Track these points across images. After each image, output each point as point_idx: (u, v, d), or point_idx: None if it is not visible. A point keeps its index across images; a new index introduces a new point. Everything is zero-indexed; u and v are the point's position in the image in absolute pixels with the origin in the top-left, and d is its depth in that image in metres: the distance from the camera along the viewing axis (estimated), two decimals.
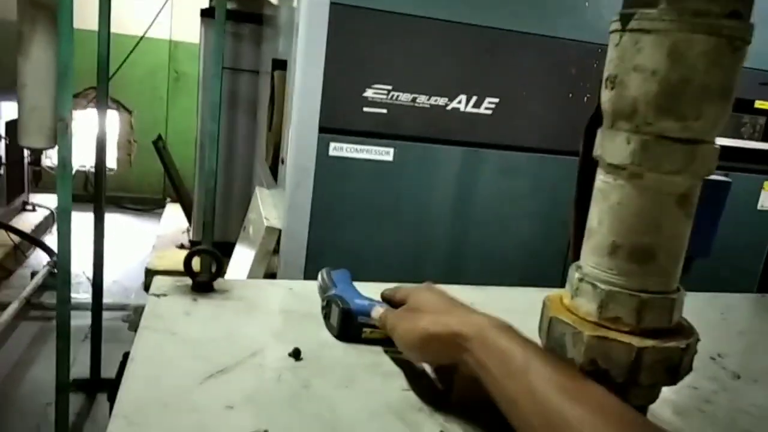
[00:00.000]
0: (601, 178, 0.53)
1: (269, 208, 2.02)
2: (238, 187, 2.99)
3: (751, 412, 0.70)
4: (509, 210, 2.02)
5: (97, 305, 2.60)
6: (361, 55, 1.79)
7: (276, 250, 1.92)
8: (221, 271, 0.84)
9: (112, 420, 0.56)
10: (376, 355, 0.74)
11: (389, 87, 1.82)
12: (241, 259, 2.17)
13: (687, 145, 0.49)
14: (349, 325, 0.75)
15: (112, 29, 2.44)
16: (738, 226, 2.09)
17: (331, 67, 1.76)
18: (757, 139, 2.12)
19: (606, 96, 0.52)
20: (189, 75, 4.38)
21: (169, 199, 4.09)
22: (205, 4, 3.16)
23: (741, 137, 2.10)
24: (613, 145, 0.51)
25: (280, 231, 1.89)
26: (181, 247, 3.21)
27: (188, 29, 4.32)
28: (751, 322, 1.00)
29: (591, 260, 0.54)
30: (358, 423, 0.60)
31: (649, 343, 0.50)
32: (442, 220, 1.99)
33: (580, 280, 0.54)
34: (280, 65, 2.09)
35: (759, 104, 2.09)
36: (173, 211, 3.76)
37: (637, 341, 0.50)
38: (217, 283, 0.86)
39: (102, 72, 2.47)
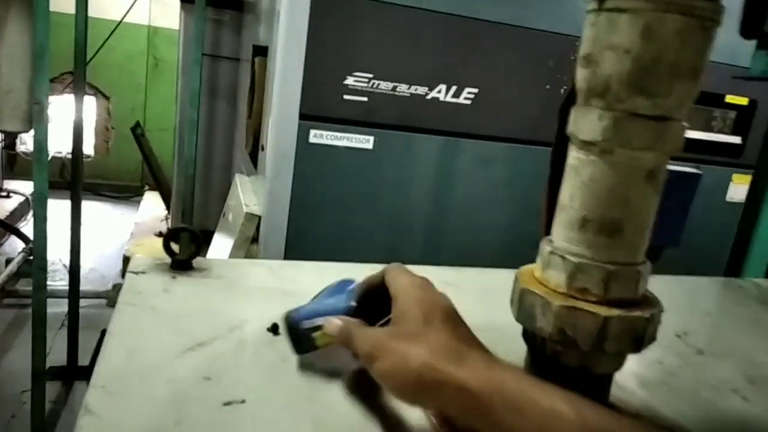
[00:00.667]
0: (573, 155, 0.55)
1: (249, 194, 2.01)
2: (217, 174, 2.97)
3: (714, 385, 0.73)
4: (487, 198, 2.05)
5: (74, 292, 2.57)
6: (342, 42, 1.80)
7: (255, 237, 1.92)
8: (201, 251, 0.84)
9: (89, 390, 0.56)
10: None
11: (370, 75, 1.83)
12: (221, 245, 2.16)
13: (656, 122, 0.51)
14: (295, 335, 0.62)
15: (90, 13, 2.40)
16: (707, 217, 2.15)
17: (312, 54, 1.77)
18: (727, 133, 2.17)
19: (581, 74, 0.54)
20: (168, 61, 4.32)
21: (147, 187, 4.05)
22: None
23: (711, 130, 2.15)
24: (585, 122, 0.53)
25: (259, 218, 1.89)
26: (160, 234, 3.18)
27: (168, 15, 4.26)
28: (717, 303, 1.04)
29: (562, 234, 0.56)
30: (335, 394, 0.62)
31: (615, 312, 0.52)
32: (420, 207, 2.02)
33: (551, 253, 0.56)
34: (261, 52, 2.08)
35: (729, 99, 2.14)
36: (151, 199, 3.73)
37: (603, 311, 0.52)
38: (197, 262, 0.86)
39: (79, 56, 2.43)
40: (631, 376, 0.72)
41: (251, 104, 2.14)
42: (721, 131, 2.20)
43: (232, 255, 1.89)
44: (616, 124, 0.51)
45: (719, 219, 2.20)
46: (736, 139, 2.21)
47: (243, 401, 0.57)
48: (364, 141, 1.90)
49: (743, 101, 2.18)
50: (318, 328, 0.60)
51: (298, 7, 1.72)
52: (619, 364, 0.56)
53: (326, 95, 1.82)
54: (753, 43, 1.41)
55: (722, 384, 0.74)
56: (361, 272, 0.94)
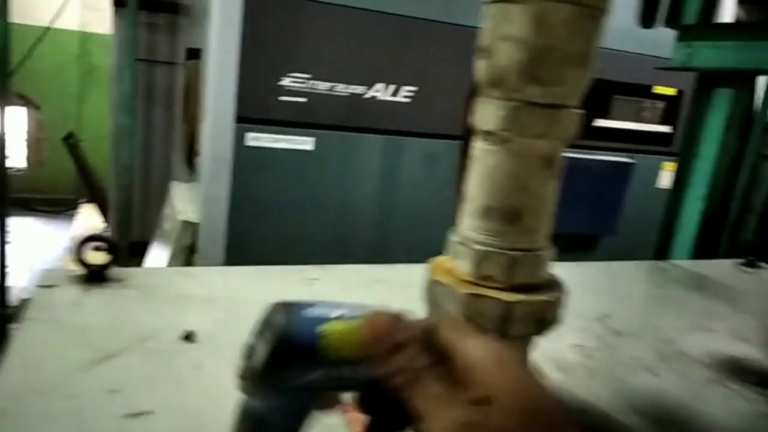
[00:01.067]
0: (476, 146, 0.56)
1: (185, 202, 1.96)
2: (157, 184, 2.88)
3: (628, 363, 0.75)
4: (433, 195, 2.06)
5: (1, 311, 2.44)
6: (277, 43, 1.77)
7: (194, 245, 1.87)
8: (117, 260, 0.81)
9: None
10: None
11: (307, 75, 1.82)
12: (159, 256, 2.10)
13: (550, 110, 0.51)
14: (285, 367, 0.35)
15: (18, 20, 2.28)
16: (641, 204, 2.24)
17: (247, 56, 1.73)
18: (656, 123, 2.26)
19: (480, 66, 0.54)
20: (103, 68, 4.16)
21: (84, 200, 3.89)
22: None
23: (642, 121, 2.24)
24: (486, 113, 0.53)
25: (196, 225, 1.84)
26: (98, 249, 3.07)
27: (102, 20, 4.11)
28: (639, 286, 1.07)
29: (468, 223, 0.56)
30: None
31: (518, 297, 0.53)
32: (367, 206, 2.01)
33: (458, 243, 0.56)
34: (195, 54, 2.03)
35: (657, 89, 2.23)
36: (88, 212, 3.58)
37: (507, 296, 0.53)
38: (114, 272, 0.83)
39: (1, 64, 2.31)
40: (549, 360, 0.74)
41: (186, 108, 2.08)
42: (651, 121, 2.28)
43: (169, 265, 1.84)
44: (513, 113, 0.51)
45: (652, 205, 2.28)
46: (666, 129, 2.30)
47: (148, 412, 0.55)
48: (304, 142, 1.88)
49: (671, 92, 2.27)
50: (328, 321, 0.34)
51: (230, 8, 1.69)
52: (526, 347, 0.57)
53: (263, 97, 1.79)
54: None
55: (636, 362, 0.76)
56: (290, 276, 0.93)
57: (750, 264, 1.30)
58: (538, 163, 0.53)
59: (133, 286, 0.81)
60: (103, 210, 3.17)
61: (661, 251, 1.57)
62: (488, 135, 0.53)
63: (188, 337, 0.69)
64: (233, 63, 1.72)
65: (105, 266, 0.80)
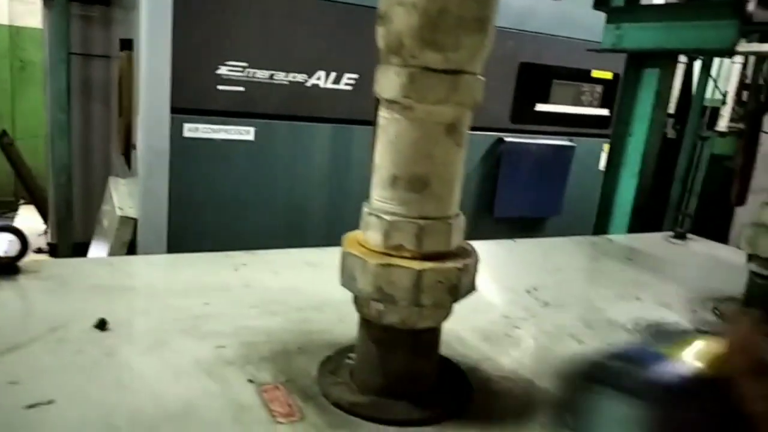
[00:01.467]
0: (381, 115, 0.55)
1: (123, 197, 1.90)
2: (99, 182, 2.78)
3: (551, 332, 0.77)
4: None
5: None
6: (212, 31, 1.73)
7: (134, 242, 1.82)
8: (27, 251, 0.77)
9: None
10: (195, 319, 0.72)
11: (244, 64, 1.78)
12: (97, 254, 2.03)
13: (449, 75, 0.51)
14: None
15: None
16: (583, 185, 2.29)
17: (180, 44, 1.68)
18: (595, 106, 2.32)
19: (379, 33, 0.54)
20: (36, 63, 3.97)
21: (22, 201, 3.71)
22: None
23: (582, 105, 2.29)
24: (386, 81, 0.53)
25: (135, 221, 1.78)
26: (39, 251, 2.94)
27: (33, 13, 3.93)
28: (570, 259, 1.10)
29: (377, 194, 0.56)
30: (161, 383, 0.58)
31: (428, 265, 0.53)
32: (316, 195, 1.98)
33: (369, 214, 0.56)
34: (128, 45, 1.97)
35: (595, 73, 2.28)
36: (28, 213, 3.43)
37: (417, 265, 0.53)
38: (27, 264, 0.79)
39: None
40: (476, 330, 0.75)
41: (121, 101, 2.02)
42: (590, 105, 2.34)
43: None
44: (412, 80, 0.51)
45: (594, 186, 2.34)
46: (604, 112, 2.36)
47: (50, 401, 0.53)
48: (244, 132, 1.84)
49: (608, 75, 2.33)
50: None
51: None
52: (440, 316, 0.57)
53: (199, 86, 1.75)
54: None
55: (561, 330, 0.78)
56: (217, 262, 0.90)
57: (679, 236, 1.35)
58: (440, 130, 0.53)
59: (47, 277, 0.77)
60: (43, 211, 3.04)
61: (600, 228, 1.62)
62: (390, 103, 0.53)
63: (101, 325, 0.67)
64: (166, 52, 1.67)
65: (16, 258, 0.76)
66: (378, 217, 0.55)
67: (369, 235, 0.56)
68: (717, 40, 1.35)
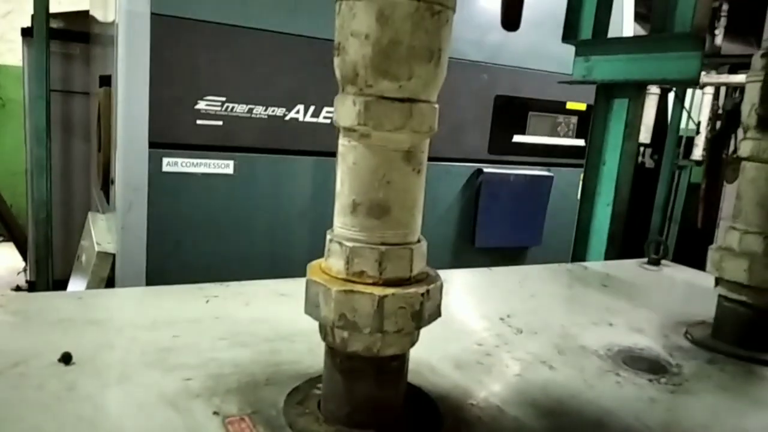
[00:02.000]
0: (340, 142, 0.56)
1: (102, 232, 1.88)
2: (79, 218, 2.76)
3: (524, 358, 0.77)
4: None
5: None
6: (190, 66, 1.75)
7: (113, 277, 1.79)
8: None
9: None
10: (162, 352, 0.71)
11: (223, 98, 1.80)
12: (76, 290, 1.99)
13: (404, 103, 0.53)
14: None
15: None
16: (563, 214, 2.31)
17: (158, 80, 1.70)
18: (571, 137, 2.37)
19: (335, 63, 0.55)
20: (17, 101, 3.98)
21: (1, 239, 3.67)
22: (27, 23, 2.91)
23: (558, 135, 2.34)
24: (344, 109, 0.54)
25: (114, 256, 1.77)
26: (17, 289, 2.89)
27: (14, 51, 3.96)
28: (544, 286, 1.10)
29: (338, 221, 0.56)
30: (123, 417, 0.57)
31: (390, 291, 0.53)
32: (297, 226, 1.98)
33: (330, 241, 0.56)
34: (106, 81, 1.98)
35: (570, 105, 2.34)
36: (6, 251, 3.38)
37: (379, 291, 0.53)
38: None
39: None
40: (448, 359, 0.74)
41: (100, 136, 2.02)
42: (566, 135, 2.39)
43: None
44: (368, 108, 0.52)
45: (574, 215, 2.37)
46: (580, 142, 2.41)
47: None
48: (224, 166, 1.85)
49: (582, 107, 2.38)
50: None
51: (136, 31, 1.66)
52: (405, 343, 0.57)
53: (177, 121, 1.76)
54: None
55: (534, 357, 0.78)
56: (187, 294, 0.90)
57: (653, 262, 1.36)
58: (398, 157, 0.54)
59: (11, 312, 0.76)
60: (22, 248, 3.00)
61: (577, 256, 1.63)
62: (348, 131, 0.54)
63: (65, 359, 0.65)
64: (144, 87, 1.68)
65: None
66: (340, 243, 0.55)
67: (331, 262, 0.56)
68: (681, 71, 1.39)
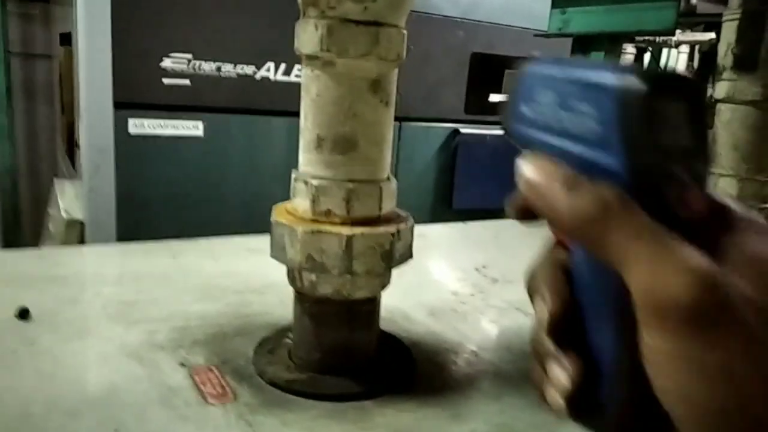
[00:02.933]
0: (303, 73, 0.53)
1: (70, 200, 1.82)
2: (48, 186, 2.68)
3: (499, 306, 0.76)
4: None
5: None
6: (154, 21, 1.67)
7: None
8: None
9: None
10: (126, 306, 0.68)
11: (189, 56, 1.73)
12: None
13: (369, 27, 0.49)
14: None
15: None
16: None
17: (121, 36, 1.62)
18: None
19: None
20: None
21: None
22: None
23: None
24: (305, 35, 0.51)
25: (82, 223, 1.71)
26: None
27: None
28: (519, 239, 1.09)
29: (303, 158, 0.53)
30: (83, 370, 0.55)
31: (359, 230, 0.51)
32: (271, 189, 1.93)
33: (296, 180, 0.54)
34: (67, 40, 1.89)
35: None
36: None
37: (347, 230, 0.50)
38: None
39: None
40: (422, 307, 0.73)
41: (63, 98, 1.94)
42: None
43: None
44: (331, 32, 0.49)
45: None
46: None
47: None
48: (192, 127, 1.79)
49: None
50: None
51: None
52: (375, 285, 0.55)
53: (142, 80, 1.69)
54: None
55: (509, 305, 0.76)
56: (153, 251, 0.87)
57: None
58: (364, 87, 0.51)
59: None
60: None
61: None
62: (311, 59, 0.51)
63: (22, 314, 0.62)
64: (106, 44, 1.61)
65: None
66: (305, 182, 0.52)
67: (297, 202, 0.54)
68: (657, 22, 1.37)
